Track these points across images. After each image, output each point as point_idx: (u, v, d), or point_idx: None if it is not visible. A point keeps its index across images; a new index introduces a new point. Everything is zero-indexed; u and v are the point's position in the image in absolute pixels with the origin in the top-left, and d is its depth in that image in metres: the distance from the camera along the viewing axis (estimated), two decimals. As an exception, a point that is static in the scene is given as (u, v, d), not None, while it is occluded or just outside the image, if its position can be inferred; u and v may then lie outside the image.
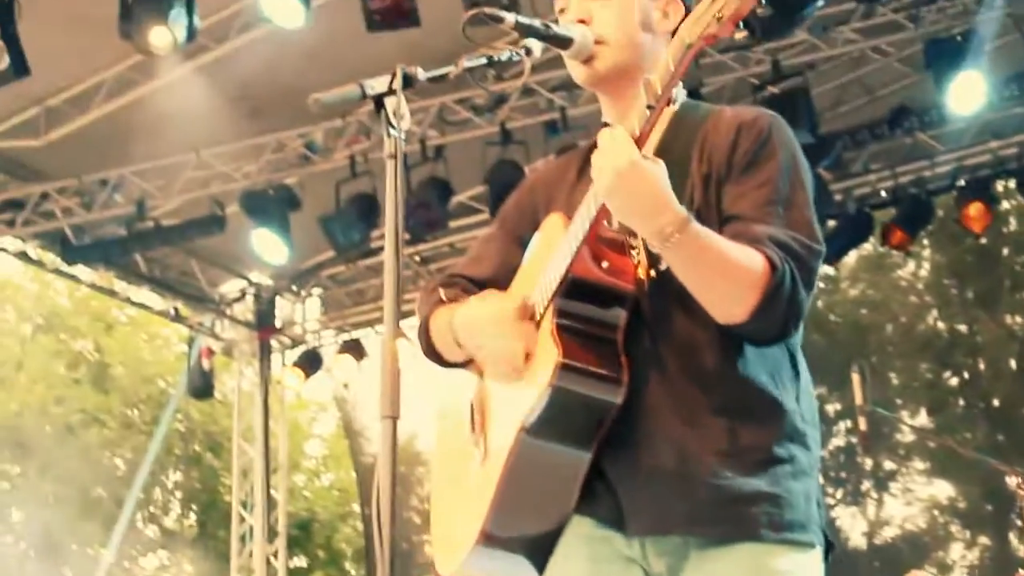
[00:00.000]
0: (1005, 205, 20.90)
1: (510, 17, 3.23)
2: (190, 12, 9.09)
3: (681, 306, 3.18)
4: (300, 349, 15.40)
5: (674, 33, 3.29)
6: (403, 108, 3.06)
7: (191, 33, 9.21)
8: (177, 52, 9.58)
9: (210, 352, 14.94)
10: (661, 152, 3.21)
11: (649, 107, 2.95)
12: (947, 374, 24.48)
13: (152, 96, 11.29)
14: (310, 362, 15.12)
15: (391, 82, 3.08)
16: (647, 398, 3.19)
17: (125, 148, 12.12)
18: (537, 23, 3.28)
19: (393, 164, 2.99)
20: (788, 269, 3.08)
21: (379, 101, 3.08)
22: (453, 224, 12.65)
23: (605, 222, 3.17)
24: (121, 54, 10.74)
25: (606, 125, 3.44)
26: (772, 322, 3.10)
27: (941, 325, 24.47)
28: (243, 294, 15.13)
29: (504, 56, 3.26)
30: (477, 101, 11.89)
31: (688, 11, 3.32)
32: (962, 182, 12.62)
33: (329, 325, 15.57)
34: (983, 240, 17.66)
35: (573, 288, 3.21)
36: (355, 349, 14.95)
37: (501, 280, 3.54)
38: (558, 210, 3.44)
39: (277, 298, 15.38)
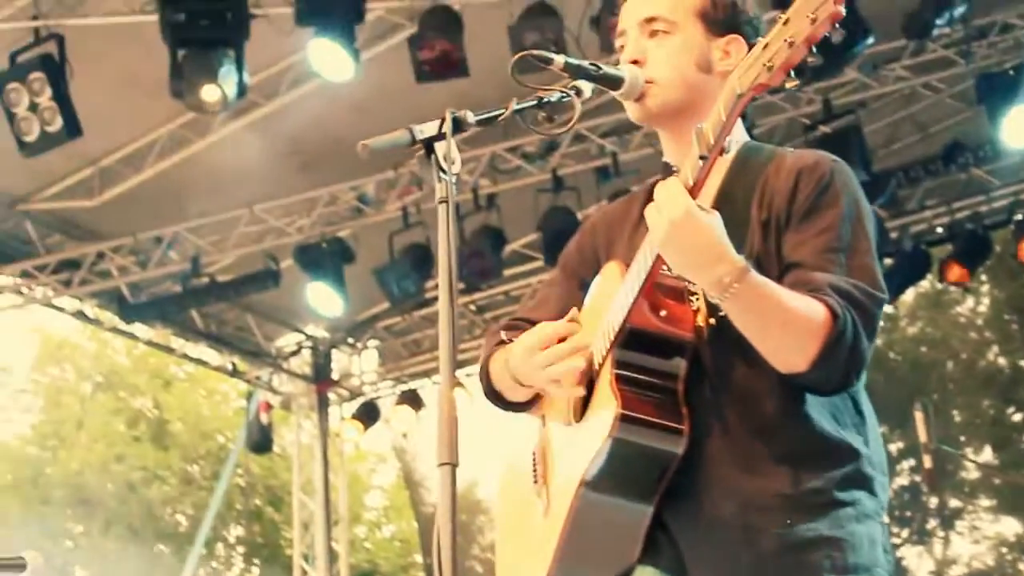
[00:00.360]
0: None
1: (559, 59, 3.21)
2: (240, 69, 9.12)
3: (741, 354, 3.13)
4: (358, 401, 15.42)
5: None
6: (453, 152, 3.02)
7: (241, 90, 9.25)
8: (228, 109, 9.60)
9: (268, 406, 14.97)
10: (720, 197, 3.19)
11: (702, 157, 2.90)
12: (1011, 410, 24.21)
13: (204, 153, 11.35)
14: (368, 414, 15.12)
15: (440, 126, 3.04)
16: (708, 447, 3.14)
17: (178, 205, 12.22)
18: (587, 64, 3.25)
19: (445, 209, 2.97)
20: (850, 318, 3.03)
21: (429, 146, 3.05)
22: (507, 272, 12.66)
23: (664, 267, 3.13)
24: (173, 113, 10.81)
25: (666, 164, 3.43)
26: (833, 372, 3.05)
27: (1003, 361, 24.22)
28: (299, 347, 15.17)
29: (554, 97, 3.22)
30: (528, 149, 11.92)
31: (749, 48, 3.29)
32: (1019, 216, 12.49)
33: (386, 376, 15.59)
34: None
35: (631, 338, 3.17)
36: (413, 400, 14.94)
37: None
38: (619, 253, 3.42)
39: (334, 351, 15.42)
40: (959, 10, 9.71)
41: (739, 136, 3.39)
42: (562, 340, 3.23)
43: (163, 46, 9.16)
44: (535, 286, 13.69)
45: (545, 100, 3.22)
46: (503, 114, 3.17)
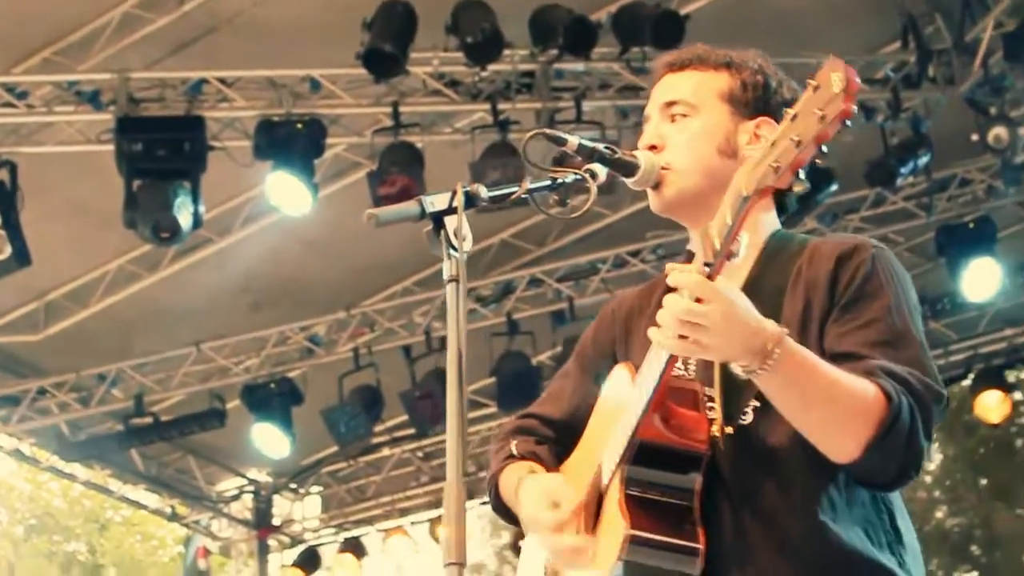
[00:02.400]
0: (1018, 395, 20.70)
1: (573, 139, 3.06)
2: (195, 200, 8.96)
3: (762, 466, 2.95)
4: (299, 548, 15.04)
5: None
6: (465, 228, 2.82)
7: (197, 221, 9.07)
8: (179, 243, 9.44)
9: (206, 552, 14.64)
10: (749, 291, 2.91)
11: (707, 264, 2.71)
12: (965, 567, 24.00)
13: (153, 289, 11.19)
14: (309, 561, 14.75)
15: (451, 200, 2.84)
16: (727, 568, 2.94)
17: (124, 342, 12.00)
18: (602, 147, 3.09)
19: (455, 288, 2.76)
20: (906, 402, 2.81)
21: (438, 220, 2.84)
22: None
23: (679, 367, 2.96)
24: (123, 247, 10.64)
25: (690, 253, 3.28)
26: (889, 459, 2.82)
27: (952, 521, 24.06)
28: (241, 492, 14.84)
29: (569, 179, 3.05)
30: (483, 292, 11.80)
31: None
32: (976, 371, 12.42)
33: (329, 523, 15.24)
34: (997, 430, 17.40)
35: (641, 453, 2.96)
36: (356, 548, 14.67)
37: (575, 420, 3.34)
38: (636, 345, 3.22)
39: (275, 496, 15.08)
40: (923, 159, 9.70)
41: (767, 226, 3.23)
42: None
43: (116, 177, 9.02)
44: (483, 434, 13.49)
45: (559, 182, 3.03)
46: (516, 192, 2.98)
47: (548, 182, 3.04)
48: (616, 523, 2.94)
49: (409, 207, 2.84)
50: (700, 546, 2.90)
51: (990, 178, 10.78)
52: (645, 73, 9.58)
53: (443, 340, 11.74)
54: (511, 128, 9.54)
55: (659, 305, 2.99)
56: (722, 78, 3.24)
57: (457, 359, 2.68)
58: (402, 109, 9.49)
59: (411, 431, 12.76)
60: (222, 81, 9.41)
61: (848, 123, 2.52)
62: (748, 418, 2.97)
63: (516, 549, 13.82)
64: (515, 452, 3.35)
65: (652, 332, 2.80)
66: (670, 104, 3.24)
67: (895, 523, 3.04)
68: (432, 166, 9.36)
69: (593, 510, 3.11)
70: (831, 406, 2.78)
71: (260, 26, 9.21)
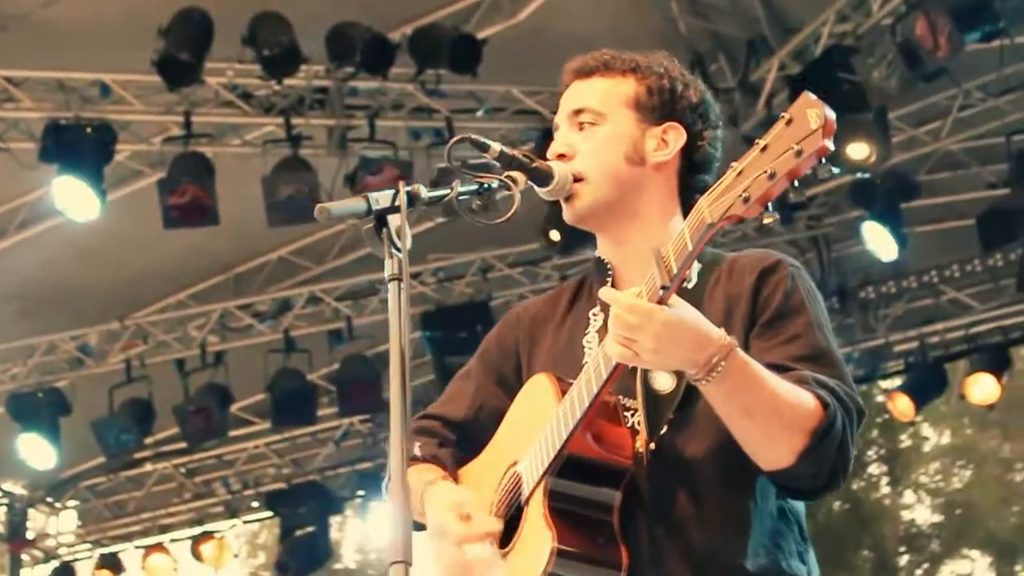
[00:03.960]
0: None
1: (495, 146, 3.08)
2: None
3: (680, 481, 3.00)
4: (53, 564, 14.64)
5: (684, 158, 3.19)
6: (406, 227, 2.81)
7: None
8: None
9: (-45, 566, 14.14)
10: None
11: (663, 287, 2.73)
12: None
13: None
14: (63, 577, 14.39)
15: (394, 199, 2.85)
16: None
17: None
18: (520, 155, 3.11)
19: (396, 286, 2.76)
20: (839, 411, 2.87)
21: (382, 218, 2.83)
22: (233, 433, 12.30)
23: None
24: None
25: (600, 260, 3.29)
26: (822, 468, 2.89)
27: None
28: (-7, 504, 14.40)
29: (494, 184, 3.05)
30: (260, 307, 11.73)
31: (691, 136, 3.21)
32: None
33: (85, 538, 14.87)
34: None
35: (567, 467, 3.00)
36: (113, 564, 14.30)
37: (476, 422, 3.35)
38: (541, 351, 3.28)
39: (30, 509, 14.65)
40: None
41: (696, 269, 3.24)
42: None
43: None
44: (251, 452, 13.39)
45: (486, 186, 3.07)
46: (448, 195, 2.99)
47: (475, 186, 3.05)
48: (540, 536, 2.96)
49: (356, 203, 2.83)
50: (623, 561, 2.95)
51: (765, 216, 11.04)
52: (440, 95, 9.68)
53: (218, 355, 11.66)
54: (303, 143, 9.54)
55: (569, 310, 3.05)
56: (628, 84, 3.25)
57: (400, 359, 2.69)
58: (194, 119, 9.41)
59: (178, 446, 12.61)
60: (8, 80, 9.20)
61: (823, 160, 2.55)
62: (666, 432, 3.01)
63: (281, 568, 13.73)
64: (418, 454, 3.32)
65: (606, 344, 2.83)
66: (577, 112, 3.24)
67: (803, 533, 3.14)
68: (223, 178, 9.29)
69: (503, 520, 3.13)
70: (773, 415, 2.83)
71: (50, 27, 8.98)
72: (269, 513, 14.25)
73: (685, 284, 2.78)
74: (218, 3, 8.66)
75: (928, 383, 12.52)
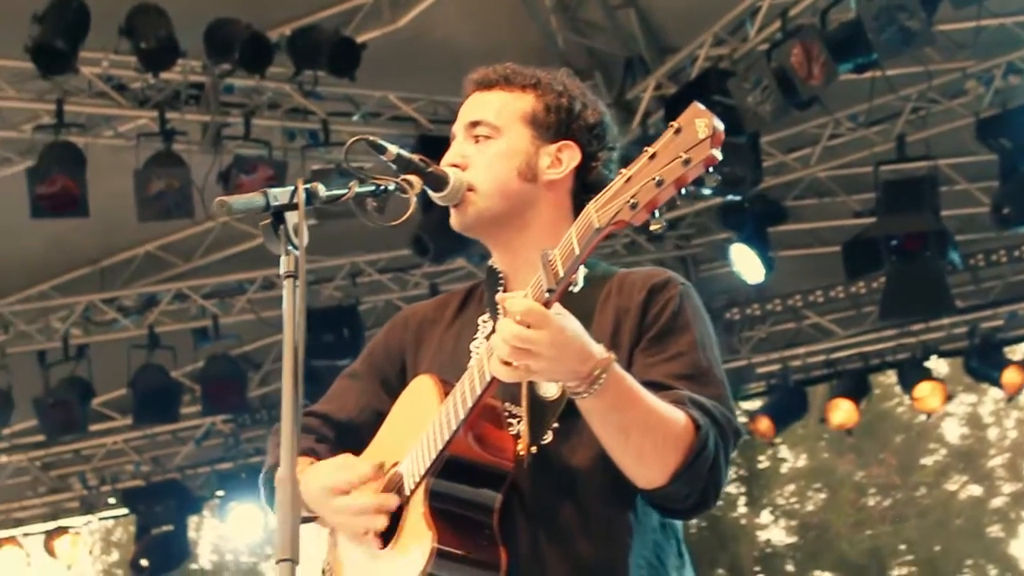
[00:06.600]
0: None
1: (392, 148, 3.11)
2: None
3: (560, 487, 3.02)
4: None
5: (578, 177, 3.21)
6: (304, 225, 2.83)
7: None
8: None
9: None
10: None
11: (549, 290, 2.74)
12: None
13: None
14: None
15: (292, 196, 2.85)
16: None
17: None
18: (416, 159, 3.14)
19: (291, 284, 2.77)
20: (713, 433, 2.92)
21: (279, 215, 2.84)
22: (93, 428, 12.13)
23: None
24: None
25: (492, 269, 3.32)
26: (694, 488, 2.93)
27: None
28: None
29: (391, 187, 3.07)
30: (125, 302, 11.61)
31: (586, 156, 3.23)
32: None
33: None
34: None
35: (448, 467, 3.01)
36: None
37: (358, 422, 3.34)
38: (427, 354, 3.29)
39: None
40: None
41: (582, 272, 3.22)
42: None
43: None
44: (109, 447, 13.21)
45: (384, 187, 3.08)
46: (346, 195, 3.00)
47: (374, 187, 3.06)
48: (420, 535, 2.98)
49: (255, 199, 2.84)
50: (503, 563, 2.97)
51: (634, 233, 11.17)
52: (316, 97, 9.66)
53: (81, 348, 11.50)
54: (177, 139, 9.45)
55: (456, 316, 3.05)
56: (527, 100, 3.27)
57: (293, 355, 2.69)
58: (66, 108, 9.27)
59: (35, 439, 12.43)
60: None
61: (711, 169, 2.59)
62: (549, 439, 3.04)
63: (136, 567, 13.56)
64: None
65: (484, 356, 2.86)
66: (474, 124, 3.26)
67: (680, 549, 3.17)
68: (93, 169, 9.18)
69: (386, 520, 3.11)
70: (648, 433, 2.86)
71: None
72: (125, 510, 14.09)
73: (571, 287, 2.77)
74: (97, -8, 8.56)
75: (789, 406, 12.72)
